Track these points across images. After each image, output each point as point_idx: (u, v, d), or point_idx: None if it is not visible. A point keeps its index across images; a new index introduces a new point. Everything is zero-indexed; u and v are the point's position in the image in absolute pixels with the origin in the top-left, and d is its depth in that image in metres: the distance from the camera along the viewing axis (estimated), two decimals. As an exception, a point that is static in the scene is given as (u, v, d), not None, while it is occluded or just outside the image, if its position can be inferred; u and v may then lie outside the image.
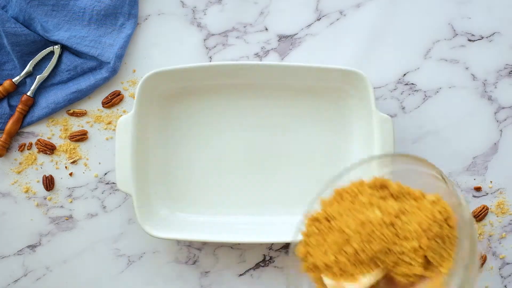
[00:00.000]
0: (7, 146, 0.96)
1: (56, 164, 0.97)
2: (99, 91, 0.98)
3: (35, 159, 0.97)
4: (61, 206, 0.97)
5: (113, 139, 0.97)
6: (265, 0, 0.99)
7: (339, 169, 0.96)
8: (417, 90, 0.98)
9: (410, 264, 0.63)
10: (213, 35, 0.99)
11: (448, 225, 0.64)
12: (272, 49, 0.99)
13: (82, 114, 0.98)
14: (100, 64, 0.97)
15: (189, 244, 0.98)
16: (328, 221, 0.67)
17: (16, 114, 0.95)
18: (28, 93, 0.96)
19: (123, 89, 0.98)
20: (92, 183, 0.98)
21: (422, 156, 0.97)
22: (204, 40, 0.99)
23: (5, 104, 0.96)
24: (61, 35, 0.95)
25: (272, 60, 0.98)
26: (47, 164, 0.97)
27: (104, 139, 0.98)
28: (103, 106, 0.98)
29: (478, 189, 0.98)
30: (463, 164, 0.98)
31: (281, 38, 0.99)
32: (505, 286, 0.97)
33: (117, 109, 0.98)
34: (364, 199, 0.66)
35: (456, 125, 0.98)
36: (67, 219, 0.97)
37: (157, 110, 0.95)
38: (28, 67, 0.96)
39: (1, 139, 0.95)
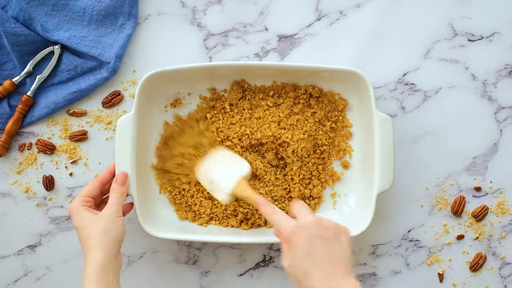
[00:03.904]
0: (7, 146, 0.96)
1: (56, 164, 0.97)
2: (99, 91, 0.98)
3: (35, 159, 0.97)
4: (61, 206, 0.97)
5: (113, 139, 0.97)
6: (265, 0, 0.99)
7: (338, 169, 0.96)
8: (417, 90, 0.98)
9: None
10: (213, 35, 0.99)
11: None
12: (272, 49, 0.99)
13: (82, 114, 0.98)
14: (100, 64, 0.97)
15: (189, 244, 0.98)
16: None
17: (16, 114, 0.95)
18: (28, 93, 0.96)
19: (123, 89, 0.98)
20: (92, 183, 0.98)
21: (422, 156, 0.98)
22: (204, 40, 0.99)
23: (5, 104, 0.96)
24: (61, 35, 0.95)
25: (272, 60, 0.98)
26: (47, 164, 0.97)
27: (104, 139, 0.98)
28: (103, 106, 0.98)
29: (478, 189, 0.98)
30: (463, 164, 0.98)
31: (281, 38, 0.99)
32: (505, 286, 0.97)
33: (117, 109, 0.98)
34: None
35: (456, 125, 0.98)
36: (67, 219, 0.97)
37: (157, 110, 0.95)
38: (28, 67, 0.96)
39: (1, 139, 0.95)
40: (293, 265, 0.74)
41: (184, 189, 0.95)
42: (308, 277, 0.72)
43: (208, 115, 0.95)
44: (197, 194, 0.95)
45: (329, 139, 0.95)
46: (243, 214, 0.93)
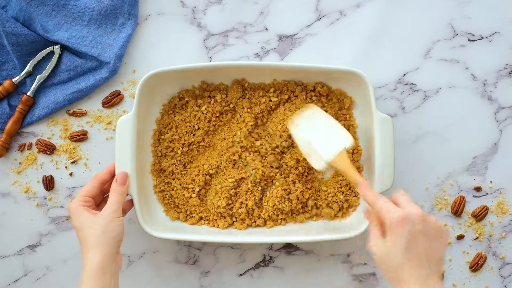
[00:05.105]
0: (7, 146, 0.96)
1: (56, 164, 0.97)
2: (99, 91, 0.98)
3: (35, 159, 0.97)
4: (61, 206, 0.97)
5: (113, 139, 0.97)
6: (265, 0, 0.99)
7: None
8: (417, 90, 0.98)
9: None
10: (213, 35, 0.99)
11: None
12: (272, 49, 0.99)
13: (82, 114, 0.98)
14: (100, 64, 0.97)
15: (189, 244, 0.98)
16: None
17: (16, 114, 0.95)
18: (28, 93, 0.96)
19: (123, 89, 0.98)
20: (92, 183, 0.98)
21: (422, 156, 0.98)
22: (204, 40, 0.99)
23: (5, 104, 0.96)
24: (61, 35, 0.95)
25: (272, 60, 0.98)
26: (47, 164, 0.97)
27: (104, 139, 0.98)
28: (103, 106, 0.98)
29: (478, 189, 0.98)
30: (463, 164, 0.98)
31: (281, 38, 0.99)
32: (505, 286, 0.97)
33: (117, 109, 0.98)
34: None
35: (456, 125, 0.98)
36: (67, 219, 0.97)
37: (157, 110, 0.95)
38: (28, 67, 0.96)
39: (1, 139, 0.95)
40: (387, 254, 0.73)
41: (173, 189, 0.94)
42: (401, 269, 0.71)
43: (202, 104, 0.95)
44: (182, 191, 0.94)
45: None
46: (230, 216, 0.94)
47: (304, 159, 0.93)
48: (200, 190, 0.94)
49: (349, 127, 0.95)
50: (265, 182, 0.95)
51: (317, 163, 0.88)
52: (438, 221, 0.75)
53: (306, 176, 0.95)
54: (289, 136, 0.93)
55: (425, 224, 0.73)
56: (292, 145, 0.94)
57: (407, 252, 0.72)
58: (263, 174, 0.93)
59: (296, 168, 0.94)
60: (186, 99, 0.94)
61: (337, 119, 0.94)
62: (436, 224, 0.75)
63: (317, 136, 0.89)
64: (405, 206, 0.75)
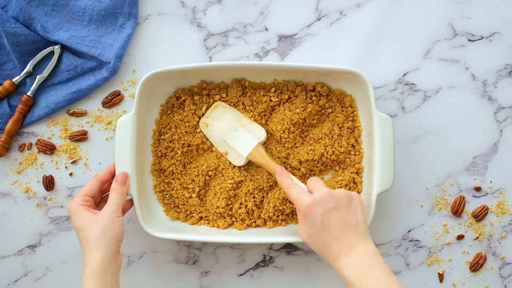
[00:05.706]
0: (7, 146, 0.96)
1: (56, 164, 0.97)
2: (99, 91, 0.98)
3: (35, 159, 0.97)
4: (61, 206, 0.97)
5: (113, 139, 0.97)
6: (265, 0, 0.99)
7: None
8: (417, 90, 0.98)
9: None
10: (213, 35, 0.99)
11: None
12: (272, 49, 0.99)
13: (82, 114, 0.98)
14: (100, 64, 0.97)
15: (189, 244, 0.98)
16: None
17: (16, 114, 0.95)
18: (28, 93, 0.96)
19: (123, 89, 0.98)
20: (92, 183, 0.97)
21: (422, 156, 0.98)
22: (204, 40, 0.99)
23: (5, 104, 0.96)
24: (61, 35, 0.95)
25: (272, 60, 0.98)
26: (47, 164, 0.97)
27: (104, 139, 0.98)
28: (103, 106, 0.98)
29: (478, 189, 0.98)
30: (463, 164, 0.98)
31: (281, 38, 0.99)
32: (505, 286, 0.97)
33: (117, 109, 0.98)
34: None
35: (456, 125, 0.98)
36: (67, 219, 0.97)
37: (157, 110, 0.95)
38: (28, 67, 0.96)
39: (1, 139, 0.95)
40: (312, 237, 0.80)
41: (173, 189, 0.94)
42: (327, 247, 0.78)
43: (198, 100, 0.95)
44: (182, 191, 0.94)
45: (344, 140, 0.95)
46: (229, 217, 0.94)
47: (307, 160, 0.93)
48: (200, 190, 0.94)
49: (354, 129, 0.95)
50: (269, 187, 0.94)
51: (236, 160, 0.93)
52: (344, 190, 0.81)
53: (308, 177, 0.95)
54: (288, 137, 0.93)
55: (334, 199, 0.80)
56: (295, 145, 0.94)
57: (325, 230, 0.78)
58: (267, 181, 0.94)
59: (299, 169, 0.94)
60: (183, 98, 0.94)
61: (330, 120, 0.94)
62: (343, 194, 0.81)
63: (231, 133, 0.93)
64: (314, 190, 0.81)
